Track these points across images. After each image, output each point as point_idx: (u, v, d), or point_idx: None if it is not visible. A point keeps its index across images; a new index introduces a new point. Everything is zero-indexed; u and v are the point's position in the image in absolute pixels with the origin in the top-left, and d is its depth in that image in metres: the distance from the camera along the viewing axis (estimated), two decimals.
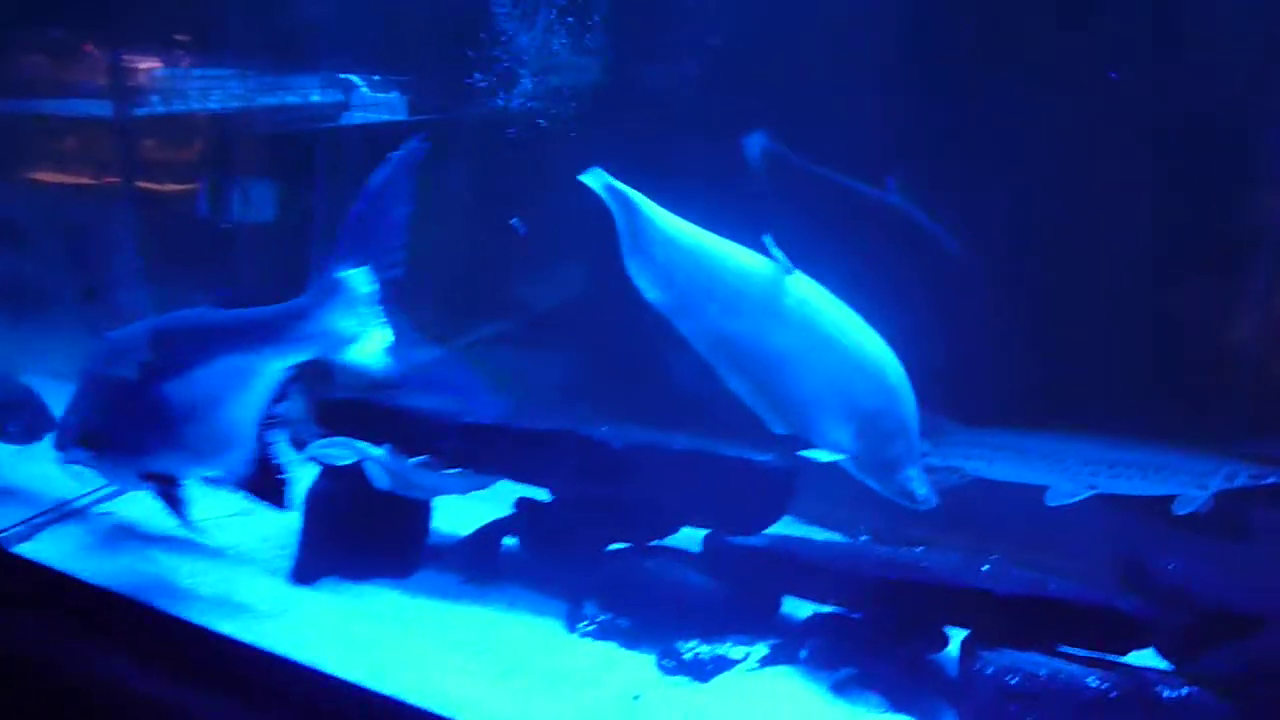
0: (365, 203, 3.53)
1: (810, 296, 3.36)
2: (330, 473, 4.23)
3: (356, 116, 5.99)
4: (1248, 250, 4.10)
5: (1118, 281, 4.17)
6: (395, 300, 3.49)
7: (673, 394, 4.12)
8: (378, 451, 4.12)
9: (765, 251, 3.41)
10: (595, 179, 3.50)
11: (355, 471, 4.19)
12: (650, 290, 3.51)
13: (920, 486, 3.29)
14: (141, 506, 4.78)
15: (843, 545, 4.01)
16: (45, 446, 4.58)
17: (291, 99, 6.21)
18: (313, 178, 5.70)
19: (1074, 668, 3.31)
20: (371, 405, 4.22)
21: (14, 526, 4.51)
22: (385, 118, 5.94)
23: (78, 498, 4.80)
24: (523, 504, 4.24)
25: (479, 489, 4.23)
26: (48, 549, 4.42)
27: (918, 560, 3.67)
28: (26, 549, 4.46)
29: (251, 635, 3.74)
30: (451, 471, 4.12)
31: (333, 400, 4.28)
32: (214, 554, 4.43)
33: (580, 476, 3.98)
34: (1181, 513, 3.76)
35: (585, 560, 4.10)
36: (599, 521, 4.08)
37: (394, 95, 6.00)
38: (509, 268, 5.38)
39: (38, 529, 4.55)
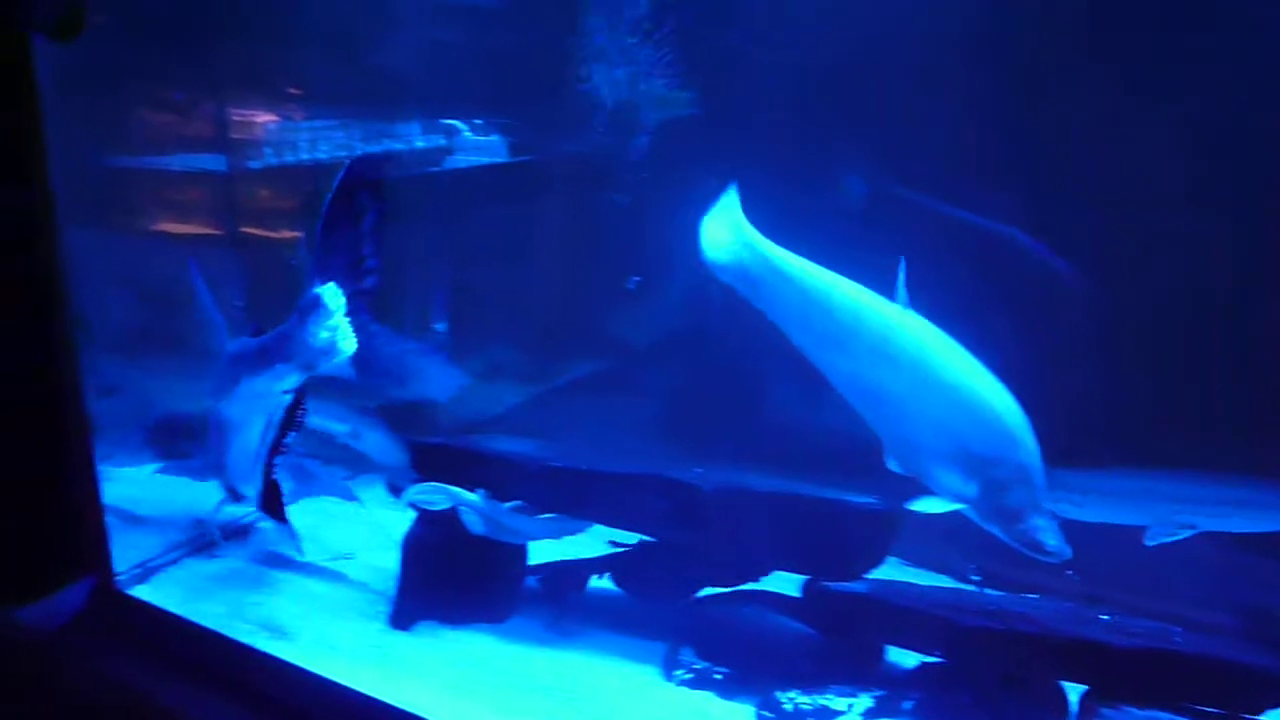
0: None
1: (923, 336, 3.24)
2: (426, 518, 4.25)
3: (459, 160, 6.11)
4: None
5: (1222, 313, 3.93)
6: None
7: (768, 433, 4.04)
8: (472, 497, 4.12)
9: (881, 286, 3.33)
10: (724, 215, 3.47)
11: (451, 517, 4.21)
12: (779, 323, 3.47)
13: (1050, 537, 3.08)
14: (249, 548, 4.98)
15: (949, 592, 3.83)
16: None
17: (396, 145, 6.39)
18: (415, 222, 5.81)
19: None
20: (465, 450, 4.24)
21: (133, 569, 4.67)
22: (487, 160, 6.05)
23: (195, 536, 4.97)
24: (615, 546, 4.18)
25: (572, 534, 4.19)
26: (160, 590, 4.56)
27: (1030, 609, 3.48)
28: (142, 591, 4.63)
29: (350, 679, 3.80)
30: (545, 516, 4.10)
31: (426, 445, 4.32)
32: (317, 597, 4.52)
33: (671, 520, 3.90)
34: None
35: (678, 604, 4.02)
36: (691, 565, 4.00)
37: (495, 138, 6.11)
38: (603, 307, 5.39)
39: (154, 570, 4.71)
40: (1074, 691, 3.42)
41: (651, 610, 4.24)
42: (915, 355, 3.23)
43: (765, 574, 3.99)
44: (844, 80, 4.31)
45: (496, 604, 4.30)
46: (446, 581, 4.25)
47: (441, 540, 4.23)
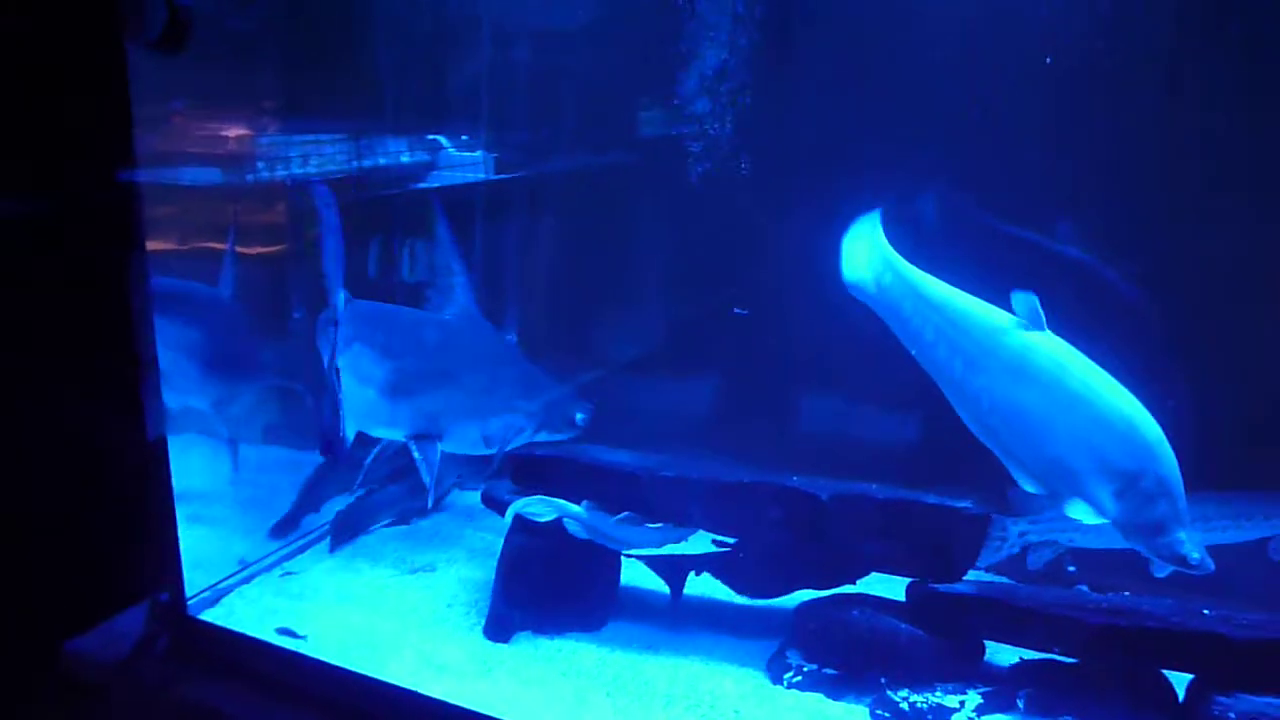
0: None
1: (1061, 355, 3.40)
2: (523, 528, 4.29)
3: (443, 177, 6.12)
4: None
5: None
6: None
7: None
8: (577, 509, 4.18)
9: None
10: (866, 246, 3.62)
11: (548, 527, 4.26)
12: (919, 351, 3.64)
13: (1193, 550, 3.26)
14: (322, 566, 4.95)
15: (1052, 591, 4.01)
16: None
17: (383, 161, 6.34)
18: (396, 237, 5.83)
19: None
20: (569, 461, 4.29)
21: (200, 593, 4.57)
22: (472, 177, 6.05)
23: (262, 558, 4.91)
24: (719, 545, 4.31)
25: (677, 541, 4.28)
26: (239, 614, 4.50)
27: (1135, 604, 3.70)
28: (212, 614, 4.54)
29: (462, 698, 3.81)
30: (653, 525, 4.18)
31: (529, 457, 4.36)
32: (404, 612, 4.51)
33: (782, 527, 4.02)
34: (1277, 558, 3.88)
35: (782, 607, 4.17)
36: (794, 569, 4.13)
37: (480, 154, 6.12)
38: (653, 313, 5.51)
39: (222, 593, 4.63)
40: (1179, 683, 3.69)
41: (753, 612, 4.38)
42: (1054, 374, 3.40)
43: (863, 576, 4.15)
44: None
45: (594, 612, 4.37)
46: (545, 591, 4.30)
47: (542, 551, 4.28)
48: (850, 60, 4.43)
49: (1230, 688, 3.43)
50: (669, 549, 4.39)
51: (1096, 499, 3.34)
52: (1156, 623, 3.56)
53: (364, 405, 4.58)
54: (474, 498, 5.56)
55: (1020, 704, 3.79)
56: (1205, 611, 3.62)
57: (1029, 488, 3.49)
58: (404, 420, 4.60)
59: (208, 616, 4.47)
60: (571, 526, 4.19)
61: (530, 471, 4.34)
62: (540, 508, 4.18)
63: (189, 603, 4.44)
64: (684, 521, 4.18)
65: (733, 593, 4.40)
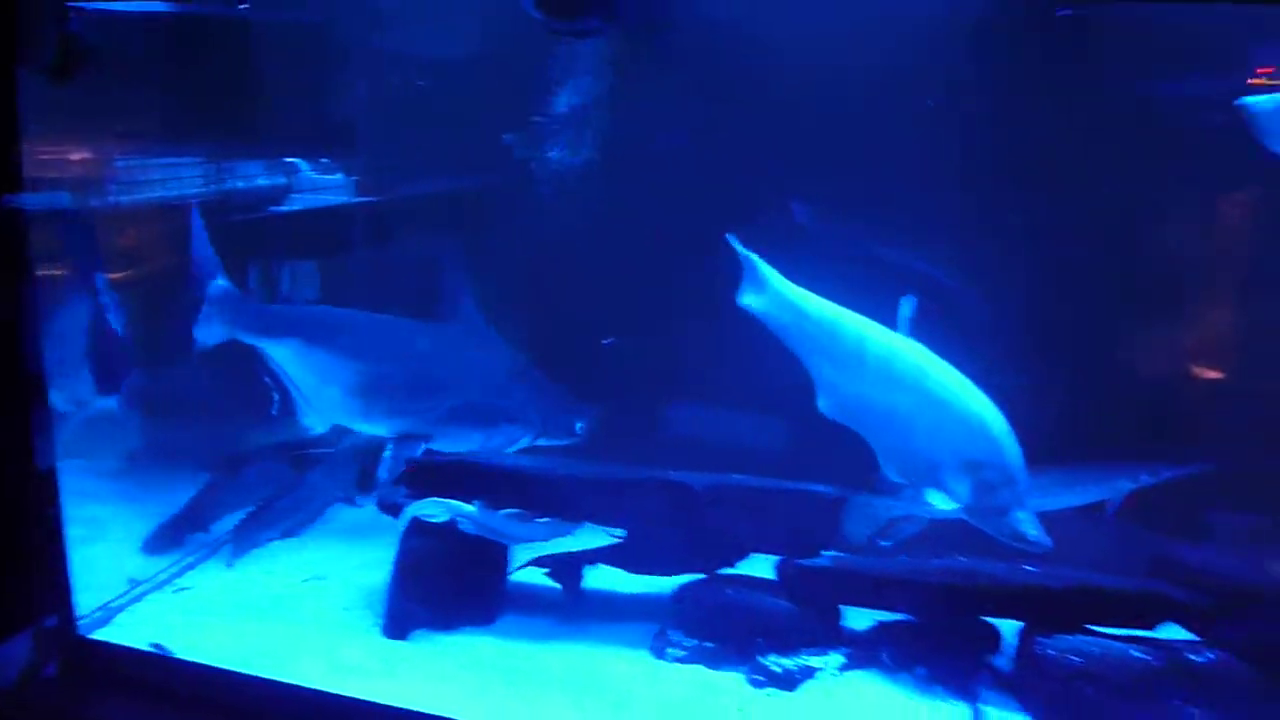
0: None
1: (921, 360, 3.87)
2: (419, 530, 4.53)
3: (301, 200, 6.27)
4: None
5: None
6: None
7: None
8: (470, 508, 4.45)
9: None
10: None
11: (441, 528, 4.51)
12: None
13: (1031, 528, 3.75)
14: (215, 580, 5.04)
15: (899, 560, 4.50)
16: None
17: (239, 184, 6.37)
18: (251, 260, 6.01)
19: (1119, 645, 3.93)
20: (461, 465, 4.56)
21: (91, 613, 4.60)
22: (330, 200, 6.23)
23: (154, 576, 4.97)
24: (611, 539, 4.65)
25: (564, 535, 4.60)
26: (131, 632, 4.55)
27: (970, 566, 4.24)
28: (105, 634, 4.58)
29: (369, 695, 4.02)
30: (541, 520, 4.49)
31: (422, 463, 4.60)
32: (300, 620, 4.66)
33: (664, 517, 4.40)
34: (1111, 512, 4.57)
35: (663, 592, 4.55)
36: (677, 554, 4.51)
37: (339, 177, 6.29)
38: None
39: (114, 612, 4.67)
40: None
41: (636, 600, 4.74)
42: (916, 377, 3.87)
43: (742, 558, 4.56)
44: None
45: (486, 607, 4.64)
46: (440, 589, 4.54)
47: (436, 551, 4.53)
48: (705, 90, 4.89)
49: (1051, 630, 4.03)
50: (561, 548, 4.74)
51: (950, 487, 3.83)
52: (987, 580, 4.12)
53: (329, 402, 5.01)
54: (358, 514, 5.79)
55: (883, 659, 4.30)
56: (1029, 569, 4.20)
57: (895, 476, 3.97)
58: (379, 419, 4.96)
59: (100, 637, 4.54)
60: (464, 524, 4.46)
61: (424, 477, 4.60)
62: (435, 509, 4.44)
63: (79, 623, 4.50)
64: (573, 516, 4.53)
65: (616, 584, 4.78)
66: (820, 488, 4.44)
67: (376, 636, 4.52)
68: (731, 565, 4.54)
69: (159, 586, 4.88)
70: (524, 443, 4.85)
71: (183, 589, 4.89)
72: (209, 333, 5.07)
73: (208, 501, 5.36)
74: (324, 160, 6.38)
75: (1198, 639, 4.00)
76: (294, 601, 4.80)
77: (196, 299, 5.00)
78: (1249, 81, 4.76)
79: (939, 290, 4.72)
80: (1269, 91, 3.75)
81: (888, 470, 3.98)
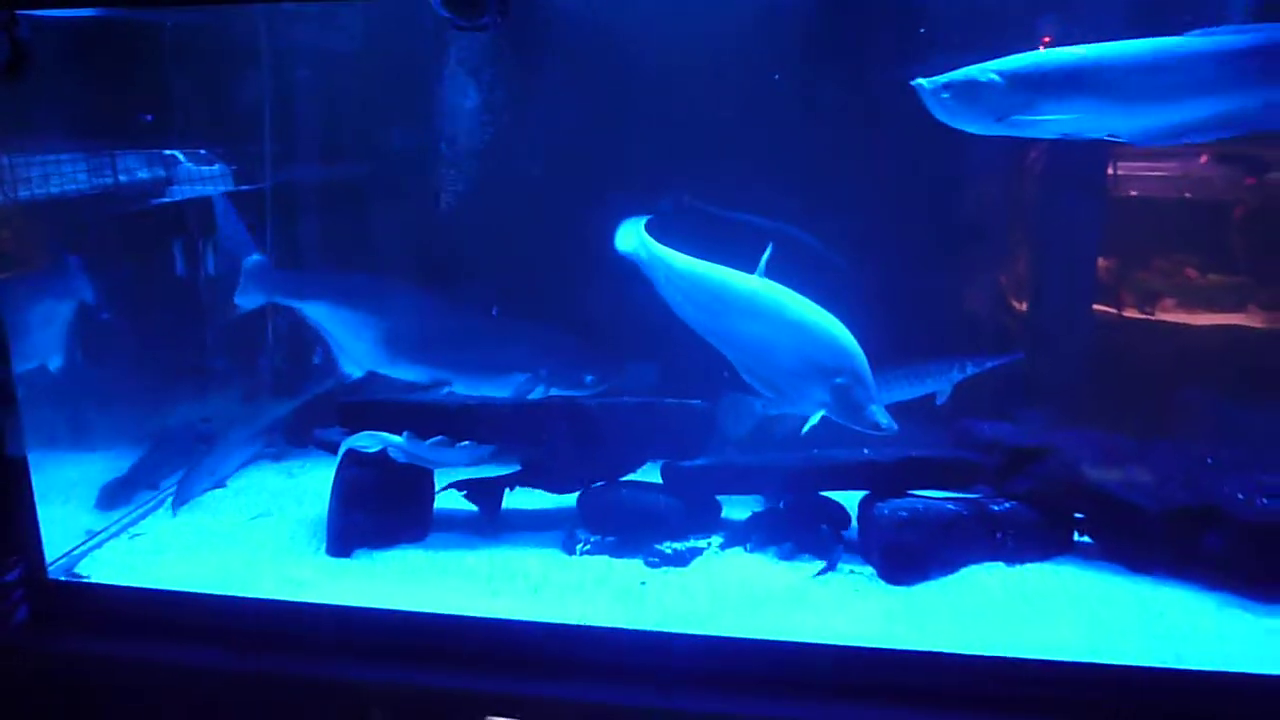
0: None
1: (778, 294, 4.73)
2: (354, 460, 5.21)
3: (181, 191, 6.65)
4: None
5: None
6: None
7: None
8: (398, 439, 5.15)
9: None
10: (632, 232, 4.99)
11: (377, 458, 5.21)
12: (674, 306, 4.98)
13: (883, 417, 4.64)
14: (166, 525, 5.60)
15: (765, 456, 5.38)
16: None
17: (122, 179, 6.66)
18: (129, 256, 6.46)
19: (936, 501, 4.94)
20: (390, 403, 5.33)
21: (55, 562, 5.10)
22: (210, 190, 6.57)
23: (108, 526, 5.51)
24: (525, 461, 5.43)
25: (481, 458, 5.34)
26: (104, 569, 5.09)
27: (819, 454, 5.17)
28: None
29: (321, 599, 4.72)
30: (461, 445, 5.23)
31: (354, 402, 5.32)
32: (252, 550, 5.27)
33: (565, 435, 5.20)
34: (940, 402, 5.54)
35: (566, 507, 5.39)
36: (581, 467, 5.33)
37: (218, 168, 6.72)
38: None
39: (76, 559, 5.19)
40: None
41: (544, 514, 5.53)
42: (775, 308, 4.73)
43: (639, 466, 5.41)
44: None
45: (416, 526, 5.35)
46: (375, 512, 5.23)
47: (370, 478, 5.22)
48: (592, 83, 5.72)
49: (885, 496, 5.01)
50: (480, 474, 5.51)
51: (813, 394, 4.73)
52: (830, 461, 5.08)
53: (360, 352, 5.89)
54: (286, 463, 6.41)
55: (750, 539, 5.20)
56: (865, 451, 5.16)
57: (769, 395, 4.86)
58: (404, 366, 5.85)
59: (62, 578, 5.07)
60: (393, 453, 5.16)
61: (357, 414, 5.32)
62: (368, 440, 5.13)
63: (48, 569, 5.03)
64: (487, 441, 5.29)
65: (525, 503, 5.57)
66: (694, 401, 5.34)
67: (322, 556, 5.19)
68: (631, 473, 5.39)
69: (114, 535, 5.42)
70: (538, 393, 5.68)
71: (137, 534, 5.45)
72: (249, 299, 5.91)
73: (153, 461, 5.92)
74: (201, 152, 6.83)
75: (994, 492, 5.08)
76: (243, 536, 5.41)
77: (232, 272, 5.83)
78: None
79: (798, 244, 5.66)
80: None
81: (764, 392, 4.86)
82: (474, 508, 5.52)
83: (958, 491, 5.09)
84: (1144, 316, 6.37)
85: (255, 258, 5.91)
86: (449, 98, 5.90)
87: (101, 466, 5.85)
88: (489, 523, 5.42)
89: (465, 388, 5.71)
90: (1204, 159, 6.44)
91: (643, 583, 4.87)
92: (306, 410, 6.57)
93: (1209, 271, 6.53)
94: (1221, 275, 6.52)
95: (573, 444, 5.22)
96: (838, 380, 4.68)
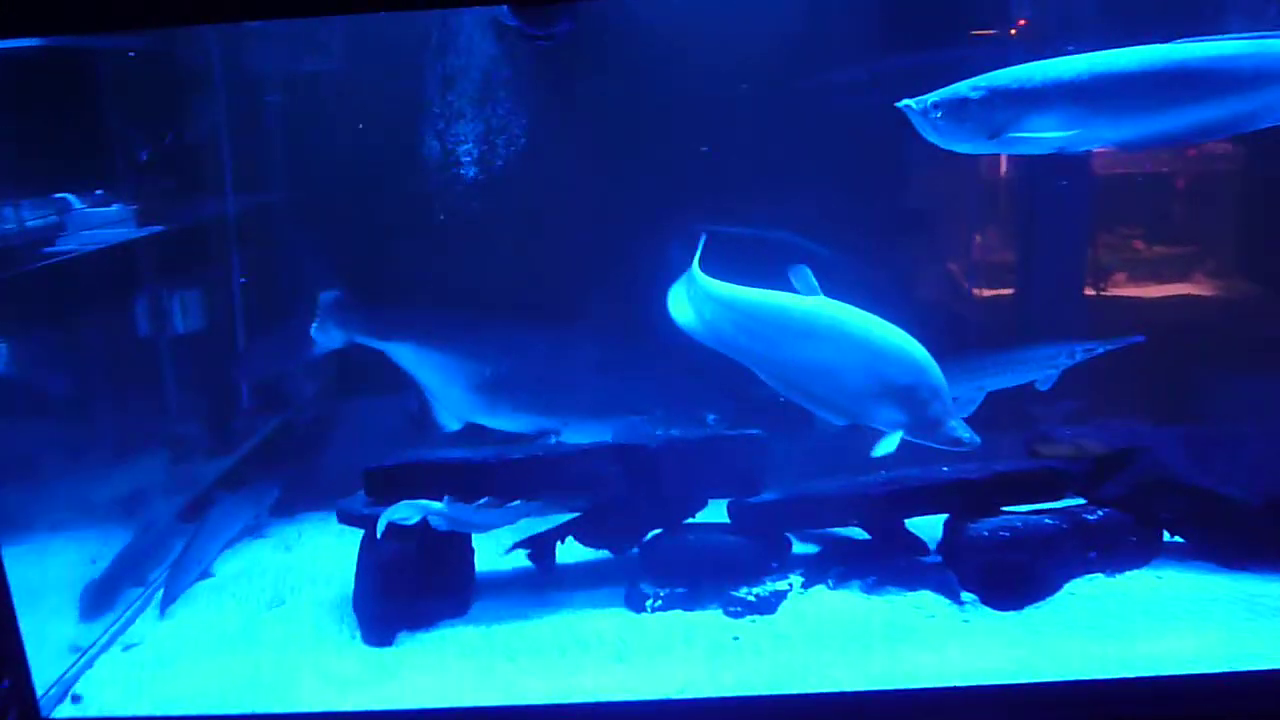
0: None
1: (837, 311, 4.31)
2: (389, 535, 4.57)
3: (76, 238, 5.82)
4: None
5: None
6: None
7: None
8: (439, 505, 4.56)
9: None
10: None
11: (412, 529, 4.59)
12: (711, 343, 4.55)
13: (964, 432, 4.26)
14: (162, 629, 4.85)
15: (839, 482, 4.99)
16: None
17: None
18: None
19: (1032, 517, 4.69)
20: (420, 465, 4.68)
21: (47, 691, 4.29)
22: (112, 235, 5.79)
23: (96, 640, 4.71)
24: (580, 511, 4.91)
25: (530, 515, 4.80)
26: (104, 695, 4.32)
27: (895, 476, 4.85)
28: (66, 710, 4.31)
29: (383, 702, 4.12)
30: (511, 505, 4.67)
31: (380, 469, 4.66)
32: (280, 645, 4.58)
33: (623, 480, 4.72)
34: (1044, 389, 5.18)
35: (633, 549, 4.91)
36: (642, 515, 4.85)
37: (116, 209, 5.84)
38: None
39: (69, 684, 4.39)
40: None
41: (595, 565, 5.03)
42: (836, 328, 4.31)
43: (701, 508, 4.96)
44: None
45: (457, 598, 4.77)
46: (412, 589, 4.62)
47: (404, 551, 4.60)
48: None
49: (974, 516, 4.72)
50: (529, 529, 4.96)
51: (887, 416, 4.32)
52: (919, 482, 4.76)
53: (454, 400, 5.32)
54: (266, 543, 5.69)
55: (832, 575, 4.84)
56: (944, 469, 4.87)
57: (836, 422, 4.42)
58: (505, 415, 5.18)
59: (63, 715, 4.26)
60: (435, 521, 4.57)
61: (384, 481, 4.67)
62: (408, 510, 4.51)
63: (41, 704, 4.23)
64: (538, 495, 4.75)
65: (577, 555, 5.05)
66: (752, 430, 4.94)
67: (359, 646, 4.55)
68: (692, 516, 4.95)
69: (105, 648, 4.63)
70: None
71: (132, 645, 4.65)
72: (329, 337, 5.38)
73: (136, 553, 5.08)
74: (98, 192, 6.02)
75: (1086, 502, 4.86)
76: (260, 631, 4.70)
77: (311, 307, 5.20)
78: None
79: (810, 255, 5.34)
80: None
81: (829, 418, 4.43)
82: (508, 567, 5.00)
83: (1046, 504, 4.85)
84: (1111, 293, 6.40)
85: (333, 293, 5.30)
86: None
87: (74, 556, 4.99)
88: (545, 579, 4.93)
89: (574, 436, 5.15)
90: None
91: (735, 637, 4.45)
92: (265, 460, 5.90)
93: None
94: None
95: (631, 490, 4.75)
96: (913, 397, 4.36)
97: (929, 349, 4.31)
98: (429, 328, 5.36)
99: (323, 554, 5.44)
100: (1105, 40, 4.15)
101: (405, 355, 5.36)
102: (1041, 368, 5.20)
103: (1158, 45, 4.09)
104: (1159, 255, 6.80)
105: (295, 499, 5.80)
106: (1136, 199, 6.66)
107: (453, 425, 5.31)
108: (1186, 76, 4.02)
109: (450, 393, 5.34)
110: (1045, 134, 4.09)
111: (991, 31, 5.77)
